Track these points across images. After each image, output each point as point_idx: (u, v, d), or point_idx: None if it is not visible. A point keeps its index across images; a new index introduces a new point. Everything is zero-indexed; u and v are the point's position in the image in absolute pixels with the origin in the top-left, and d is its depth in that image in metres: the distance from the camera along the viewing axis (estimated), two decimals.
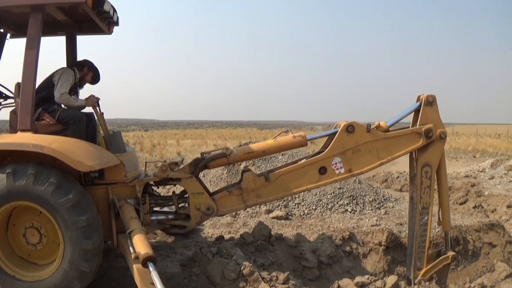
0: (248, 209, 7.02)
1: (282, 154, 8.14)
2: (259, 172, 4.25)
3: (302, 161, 4.23)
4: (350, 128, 4.08)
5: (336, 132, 4.11)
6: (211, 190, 4.64)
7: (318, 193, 7.27)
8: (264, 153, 4.35)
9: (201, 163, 4.34)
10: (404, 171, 10.33)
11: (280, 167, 4.35)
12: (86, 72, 4.57)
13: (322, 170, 4.14)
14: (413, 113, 4.21)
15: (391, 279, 3.94)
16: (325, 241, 5.42)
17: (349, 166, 4.11)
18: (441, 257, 4.32)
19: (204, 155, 4.42)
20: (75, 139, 3.90)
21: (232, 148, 4.40)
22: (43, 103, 4.18)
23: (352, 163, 4.11)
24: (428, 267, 4.27)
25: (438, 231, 5.52)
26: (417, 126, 4.10)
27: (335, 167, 4.12)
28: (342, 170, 4.12)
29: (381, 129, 4.15)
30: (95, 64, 4.65)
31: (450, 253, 4.30)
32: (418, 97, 4.19)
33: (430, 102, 4.10)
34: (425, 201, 4.16)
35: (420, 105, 4.12)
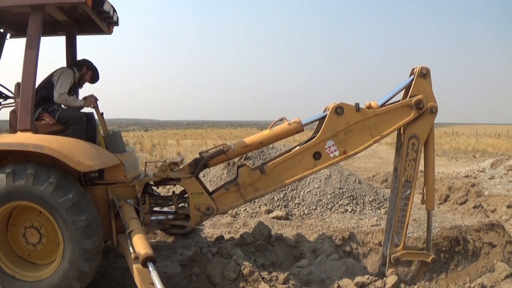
0: (248, 209, 7.02)
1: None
2: (254, 166, 4.23)
3: (295, 149, 4.19)
4: (339, 109, 4.03)
5: (326, 116, 4.06)
6: (211, 190, 4.64)
7: (318, 193, 7.27)
8: (262, 144, 4.31)
9: (201, 163, 4.34)
10: None
11: (274, 158, 4.30)
12: (85, 71, 4.57)
13: (317, 156, 4.10)
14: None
15: (391, 279, 3.93)
16: (325, 241, 5.42)
17: (343, 147, 4.07)
18: (423, 251, 4.25)
19: (203, 154, 4.42)
20: (75, 139, 3.90)
21: (229, 144, 4.38)
22: (43, 103, 4.17)
23: (345, 145, 4.07)
24: (407, 251, 4.18)
25: (438, 231, 5.53)
26: (408, 99, 4.03)
27: (329, 150, 4.08)
28: (337, 153, 4.08)
29: (373, 109, 4.08)
30: (94, 64, 4.65)
31: (432, 256, 4.22)
32: (412, 70, 4.11)
33: (424, 74, 4.02)
34: (409, 174, 4.08)
35: (412, 79, 4.04)
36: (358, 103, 4.05)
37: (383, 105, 4.12)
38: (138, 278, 3.30)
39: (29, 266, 3.85)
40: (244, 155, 4.31)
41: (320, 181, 7.55)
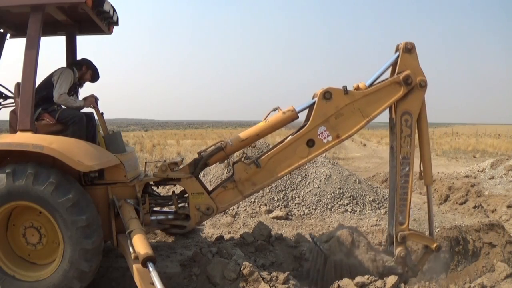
0: (248, 209, 7.02)
1: None
2: (249, 161, 4.22)
3: (288, 138, 4.16)
4: (327, 94, 3.99)
5: (315, 102, 4.03)
6: (210, 190, 4.63)
7: (318, 193, 7.27)
8: (259, 136, 4.27)
9: (201, 162, 4.33)
10: None
11: (268, 150, 4.28)
12: (85, 71, 4.56)
13: (310, 143, 4.07)
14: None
15: (391, 279, 3.92)
16: None
17: (336, 132, 4.04)
18: (429, 237, 4.27)
19: (202, 153, 4.41)
20: (75, 139, 3.90)
21: (227, 140, 4.36)
22: (43, 103, 4.17)
23: (338, 129, 4.04)
24: (414, 232, 4.19)
25: (438, 231, 5.52)
26: (395, 76, 4.00)
27: (322, 136, 4.05)
28: (330, 138, 4.05)
29: (361, 90, 4.04)
30: (94, 63, 4.64)
31: (436, 244, 4.23)
32: (397, 46, 4.08)
33: (409, 49, 3.98)
34: (406, 151, 4.05)
35: (398, 56, 4.01)
36: (346, 86, 4.01)
37: (371, 85, 4.08)
38: (138, 278, 3.30)
39: (29, 266, 3.86)
40: (245, 155, 4.30)
41: (320, 181, 7.55)
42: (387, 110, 4.20)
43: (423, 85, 4.00)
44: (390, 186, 4.30)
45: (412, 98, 4.02)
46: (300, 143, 4.08)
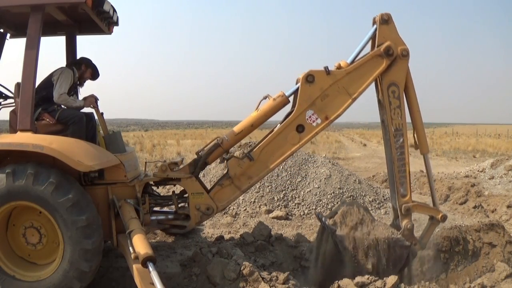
0: (248, 209, 7.03)
1: None
2: (242, 155, 4.21)
3: (277, 127, 4.14)
4: (309, 78, 3.97)
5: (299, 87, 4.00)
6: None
7: (318, 193, 7.28)
8: (253, 127, 4.25)
9: (200, 162, 4.33)
10: None
11: (259, 142, 4.24)
12: (84, 69, 4.56)
13: (300, 128, 4.05)
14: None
15: (391, 279, 3.92)
16: None
17: (324, 114, 4.02)
18: (434, 207, 4.25)
19: (200, 153, 4.41)
20: (75, 139, 3.90)
21: (222, 136, 4.35)
22: (43, 103, 4.17)
23: (325, 110, 4.02)
24: (418, 203, 4.16)
25: (438, 231, 5.52)
26: (376, 49, 3.97)
27: (310, 120, 4.03)
28: (319, 120, 4.04)
29: (343, 68, 4.02)
30: (93, 62, 4.64)
31: (442, 213, 4.20)
32: (373, 19, 4.05)
33: (386, 20, 3.95)
34: (397, 122, 4.02)
35: (376, 29, 3.98)
36: (327, 66, 3.99)
37: (352, 62, 4.05)
38: (138, 278, 3.29)
39: (29, 266, 3.85)
40: (245, 155, 4.29)
41: (320, 181, 7.56)
42: (373, 85, 4.17)
43: (405, 54, 3.97)
44: (387, 160, 4.25)
45: (396, 68, 4.00)
46: (290, 130, 4.06)
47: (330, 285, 3.93)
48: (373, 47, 4.08)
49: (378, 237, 4.07)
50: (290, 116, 4.05)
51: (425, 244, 4.32)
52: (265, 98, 4.23)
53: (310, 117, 4.03)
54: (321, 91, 3.99)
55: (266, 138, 4.14)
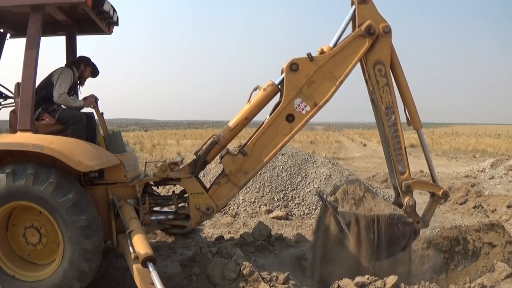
0: (248, 209, 7.03)
1: (282, 155, 8.14)
2: (235, 152, 4.21)
3: (266, 120, 4.13)
4: (293, 66, 3.96)
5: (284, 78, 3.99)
6: None
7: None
8: (247, 120, 4.25)
9: (199, 161, 4.33)
10: None
11: (250, 137, 4.23)
12: (83, 68, 4.57)
13: (290, 118, 4.05)
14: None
15: (391, 279, 3.92)
16: None
17: (312, 100, 4.02)
18: (434, 184, 4.22)
19: (199, 153, 4.41)
20: (75, 139, 3.90)
21: (218, 133, 4.34)
22: (43, 103, 4.18)
23: (313, 97, 4.01)
24: (418, 180, 4.13)
25: (438, 231, 5.52)
26: (357, 29, 3.96)
27: (299, 108, 4.02)
28: (308, 108, 4.03)
29: (326, 53, 4.01)
30: (92, 60, 4.64)
31: (443, 189, 4.17)
32: (351, 0, 4.05)
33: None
34: (387, 100, 4.01)
35: (354, 9, 3.98)
36: (310, 53, 3.98)
37: (335, 45, 4.05)
38: (138, 278, 3.29)
39: (29, 266, 3.85)
40: (239, 150, 4.27)
41: (320, 181, 7.56)
42: (359, 66, 4.16)
43: (387, 31, 3.96)
44: (382, 140, 4.24)
45: (380, 46, 3.99)
46: (280, 121, 4.06)
47: (330, 285, 3.94)
48: (354, 28, 4.06)
49: (380, 214, 4.02)
50: (279, 106, 4.05)
51: (428, 221, 4.27)
52: (255, 89, 4.22)
53: (298, 105, 4.03)
54: (307, 78, 3.98)
55: (258, 132, 4.13)
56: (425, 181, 4.32)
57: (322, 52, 4.05)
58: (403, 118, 4.18)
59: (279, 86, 4.15)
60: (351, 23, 4.14)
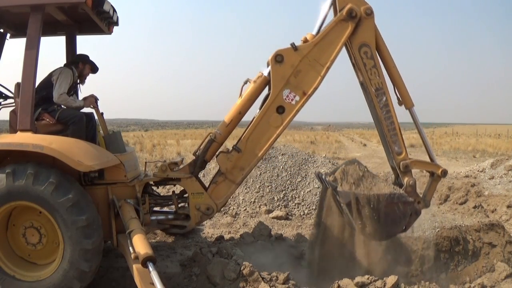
0: (248, 209, 7.03)
1: (282, 155, 8.14)
2: (229, 150, 4.21)
3: (256, 114, 4.14)
4: (278, 57, 3.96)
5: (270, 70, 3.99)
6: None
7: (318, 193, 7.26)
8: (241, 114, 4.24)
9: (199, 161, 4.34)
10: None
11: (242, 133, 4.23)
12: (82, 66, 4.57)
13: (280, 110, 4.05)
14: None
15: (391, 279, 3.92)
16: None
17: (301, 90, 4.01)
18: (433, 163, 4.19)
19: (197, 153, 4.41)
20: (75, 139, 3.90)
21: (214, 130, 4.34)
22: (43, 103, 4.18)
23: (301, 86, 4.01)
24: (416, 160, 4.13)
25: (438, 231, 5.52)
26: (338, 14, 3.95)
27: (289, 99, 4.02)
28: (297, 98, 4.02)
29: (310, 41, 4.00)
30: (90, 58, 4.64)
31: (441, 168, 4.16)
32: None
33: None
34: (376, 82, 4.00)
35: None
36: (293, 42, 3.98)
37: (318, 32, 4.04)
38: (138, 278, 3.29)
39: (29, 266, 3.85)
40: (233, 148, 4.27)
41: None
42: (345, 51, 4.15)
43: (369, 13, 3.95)
44: (375, 123, 4.22)
45: (363, 29, 3.97)
46: (271, 113, 4.05)
47: (330, 285, 3.94)
48: (335, 13, 4.05)
49: (380, 193, 4.00)
50: (268, 99, 4.05)
51: (429, 202, 4.24)
52: (245, 83, 4.23)
53: (287, 96, 4.03)
54: (293, 68, 3.98)
55: (249, 127, 4.13)
56: (423, 161, 4.27)
57: (305, 40, 4.04)
58: (394, 99, 4.15)
59: (268, 77, 4.13)
60: (332, 8, 4.12)
